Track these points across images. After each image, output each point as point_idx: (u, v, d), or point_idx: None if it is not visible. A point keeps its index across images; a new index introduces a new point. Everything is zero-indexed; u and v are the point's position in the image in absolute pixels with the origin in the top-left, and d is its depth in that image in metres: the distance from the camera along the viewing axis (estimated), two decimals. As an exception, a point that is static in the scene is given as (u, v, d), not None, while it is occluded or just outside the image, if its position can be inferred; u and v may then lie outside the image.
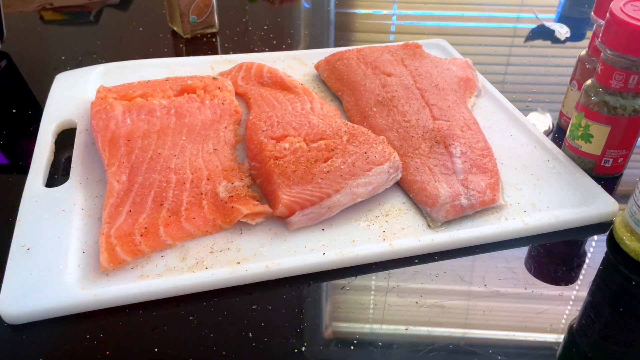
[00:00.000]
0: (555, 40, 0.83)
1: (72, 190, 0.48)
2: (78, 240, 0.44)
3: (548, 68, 0.76)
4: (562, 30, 0.84)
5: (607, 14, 0.48)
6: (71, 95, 0.61)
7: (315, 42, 0.81)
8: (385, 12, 0.95)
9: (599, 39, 0.49)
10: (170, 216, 0.45)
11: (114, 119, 0.52)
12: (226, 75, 0.64)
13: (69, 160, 0.52)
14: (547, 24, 0.87)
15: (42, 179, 0.50)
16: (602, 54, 0.49)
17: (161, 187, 0.47)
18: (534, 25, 0.87)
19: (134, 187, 0.47)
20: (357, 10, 0.96)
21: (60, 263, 0.42)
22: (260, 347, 0.38)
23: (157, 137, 0.51)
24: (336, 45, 0.81)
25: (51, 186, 0.49)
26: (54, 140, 0.55)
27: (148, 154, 0.49)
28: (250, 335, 0.39)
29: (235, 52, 0.75)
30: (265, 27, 0.84)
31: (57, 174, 0.52)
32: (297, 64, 0.70)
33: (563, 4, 0.98)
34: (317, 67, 0.67)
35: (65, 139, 0.56)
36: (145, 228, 0.44)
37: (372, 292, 0.43)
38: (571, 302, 0.43)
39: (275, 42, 0.79)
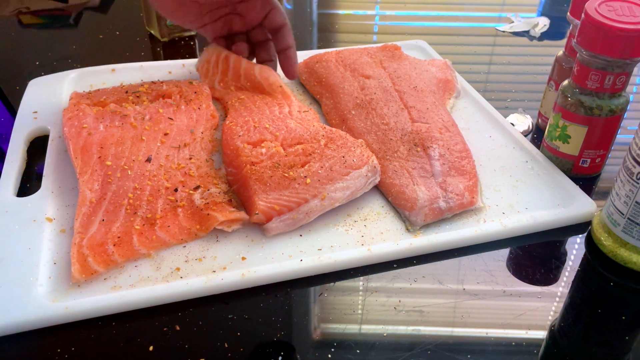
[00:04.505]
0: (533, 39, 0.84)
1: (44, 199, 0.47)
2: (49, 251, 0.43)
3: (527, 67, 0.76)
4: (537, 28, 0.85)
5: (582, 15, 0.48)
6: (44, 102, 0.59)
7: (297, 44, 0.80)
8: (368, 12, 0.94)
9: (575, 40, 0.49)
10: (144, 225, 0.44)
11: (87, 126, 0.51)
12: (203, 67, 0.62)
13: (41, 168, 0.51)
14: (521, 22, 0.87)
15: (13, 189, 0.49)
16: (577, 55, 0.49)
17: (135, 195, 0.46)
18: (512, 24, 0.87)
19: (107, 195, 0.46)
20: (339, 11, 0.95)
21: (31, 275, 0.41)
22: (236, 357, 0.37)
23: (131, 143, 0.50)
24: (318, 47, 0.80)
25: (22, 195, 0.48)
26: (26, 148, 0.54)
27: (121, 161, 0.48)
28: (226, 345, 0.38)
29: (213, 55, 0.74)
30: (245, 30, 0.83)
31: (30, 183, 0.51)
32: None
33: (544, 3, 0.98)
34: (295, 69, 0.67)
35: (38, 146, 0.55)
36: (119, 237, 0.43)
37: (351, 298, 0.42)
38: (551, 304, 0.43)
39: (254, 44, 0.78)
